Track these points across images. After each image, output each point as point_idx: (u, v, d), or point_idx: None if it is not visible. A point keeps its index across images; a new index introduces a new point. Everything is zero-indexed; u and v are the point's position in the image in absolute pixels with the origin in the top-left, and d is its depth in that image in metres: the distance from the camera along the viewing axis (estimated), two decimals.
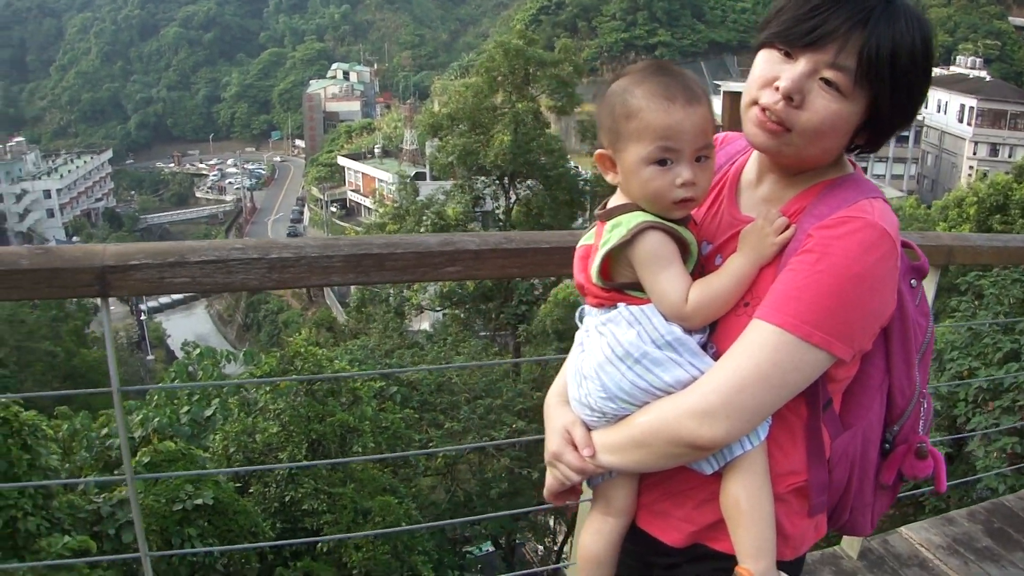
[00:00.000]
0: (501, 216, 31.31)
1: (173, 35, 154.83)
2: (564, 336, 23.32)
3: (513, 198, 31.85)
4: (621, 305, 1.93)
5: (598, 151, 2.02)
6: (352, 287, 41.24)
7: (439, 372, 19.69)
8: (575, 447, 1.99)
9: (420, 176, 49.48)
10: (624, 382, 1.89)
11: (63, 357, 38.88)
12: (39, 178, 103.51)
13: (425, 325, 33.81)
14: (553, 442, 2.05)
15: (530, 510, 19.32)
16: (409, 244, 2.54)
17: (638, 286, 1.92)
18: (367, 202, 69.62)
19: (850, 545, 4.54)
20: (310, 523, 13.51)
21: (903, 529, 4.85)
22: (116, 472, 12.14)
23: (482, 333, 29.52)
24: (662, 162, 1.85)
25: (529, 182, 31.54)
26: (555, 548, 22.92)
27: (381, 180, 67.02)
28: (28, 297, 2.28)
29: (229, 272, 2.31)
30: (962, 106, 73.43)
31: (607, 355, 1.92)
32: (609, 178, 2.00)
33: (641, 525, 2.10)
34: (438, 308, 30.61)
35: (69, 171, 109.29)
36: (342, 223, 73.71)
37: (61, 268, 2.23)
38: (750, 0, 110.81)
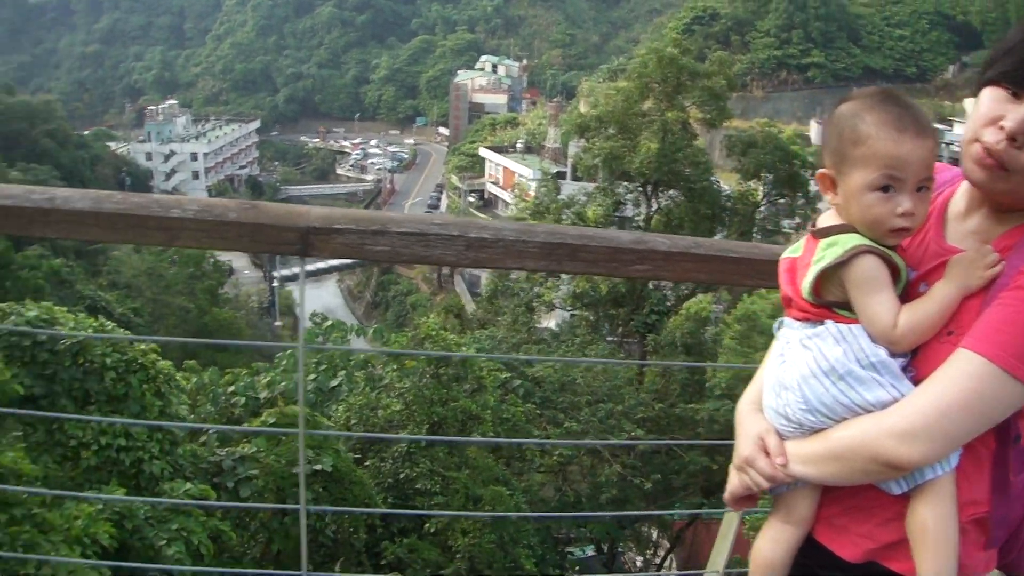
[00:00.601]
0: (641, 224, 30.99)
1: (327, 14, 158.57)
2: (692, 350, 23.13)
3: (654, 207, 31.55)
4: (828, 322, 1.96)
5: (820, 171, 2.04)
6: (484, 278, 41.56)
7: (564, 371, 19.72)
8: (767, 455, 2.02)
9: (560, 175, 49.47)
10: (826, 396, 1.92)
11: (195, 313, 40.11)
12: (188, 141, 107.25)
13: (552, 324, 33.80)
14: (745, 447, 2.08)
15: (641, 514, 19.22)
16: (602, 238, 2.55)
17: (847, 305, 1.95)
18: (505, 195, 69.98)
19: None
20: (421, 502, 13.65)
21: None
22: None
23: (609, 338, 29.40)
24: (885, 188, 1.89)
25: (672, 192, 31.15)
26: (655, 562, 22.75)
27: (521, 175, 67.34)
28: (231, 248, 2.35)
29: (428, 245, 2.34)
30: None
31: (811, 369, 1.94)
32: (828, 198, 2.03)
33: (818, 537, 2.10)
34: (569, 308, 30.58)
35: (217, 137, 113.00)
36: (479, 214, 74.25)
37: (267, 224, 2.31)
38: (909, 29, 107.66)
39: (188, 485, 10.91)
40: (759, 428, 2.08)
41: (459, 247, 2.36)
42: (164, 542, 10.08)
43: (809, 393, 1.94)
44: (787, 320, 2.09)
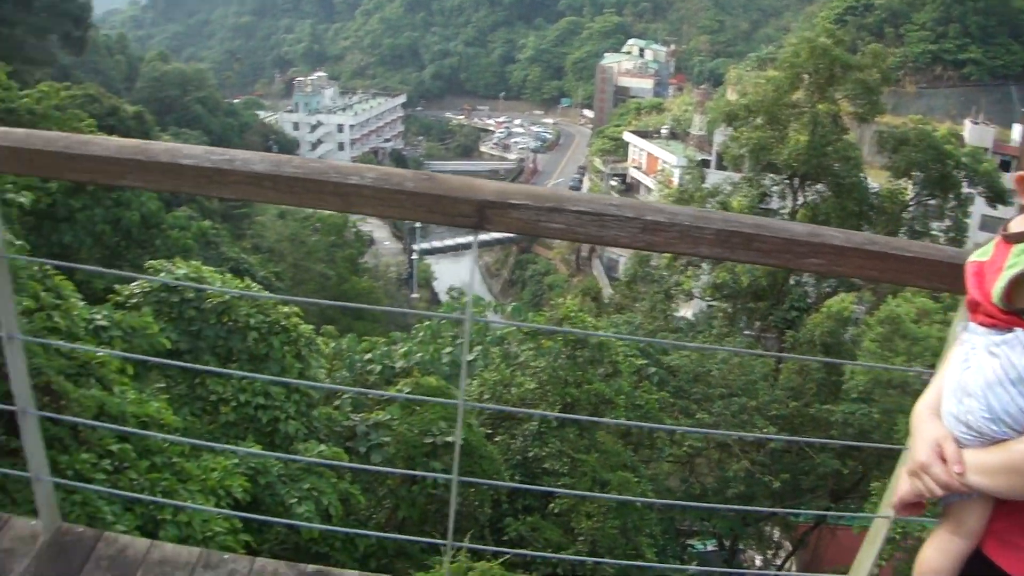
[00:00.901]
0: (785, 217, 30.36)
1: None
2: (831, 350, 22.59)
3: (800, 200, 30.88)
4: (1019, 330, 1.87)
5: (1019, 173, 2.00)
6: (622, 262, 41.24)
7: (699, 362, 19.52)
8: (944, 461, 1.96)
9: (704, 164, 48.85)
10: (1012, 406, 1.85)
11: (335, 280, 40.90)
12: (334, 112, 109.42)
13: (688, 313, 33.49)
14: (922, 453, 2.02)
15: (766, 511, 18.96)
16: (777, 229, 2.48)
17: None
18: (648, 181, 69.51)
19: None
20: (547, 482, 13.70)
21: None
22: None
23: (746, 332, 29.00)
24: None
25: (819, 186, 30.41)
26: (775, 562, 22.42)
27: (665, 162, 66.74)
28: (407, 217, 2.37)
29: (603, 226, 2.32)
30: None
31: (998, 376, 1.87)
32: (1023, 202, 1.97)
33: (986, 551, 2.04)
34: (708, 298, 30.24)
35: (363, 109, 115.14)
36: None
37: (443, 196, 2.32)
38: None
39: (322, 447, 11.19)
40: (937, 434, 2.01)
41: (634, 229, 2.32)
42: (295, 500, 10.34)
43: (994, 401, 1.87)
44: (972, 325, 2.02)
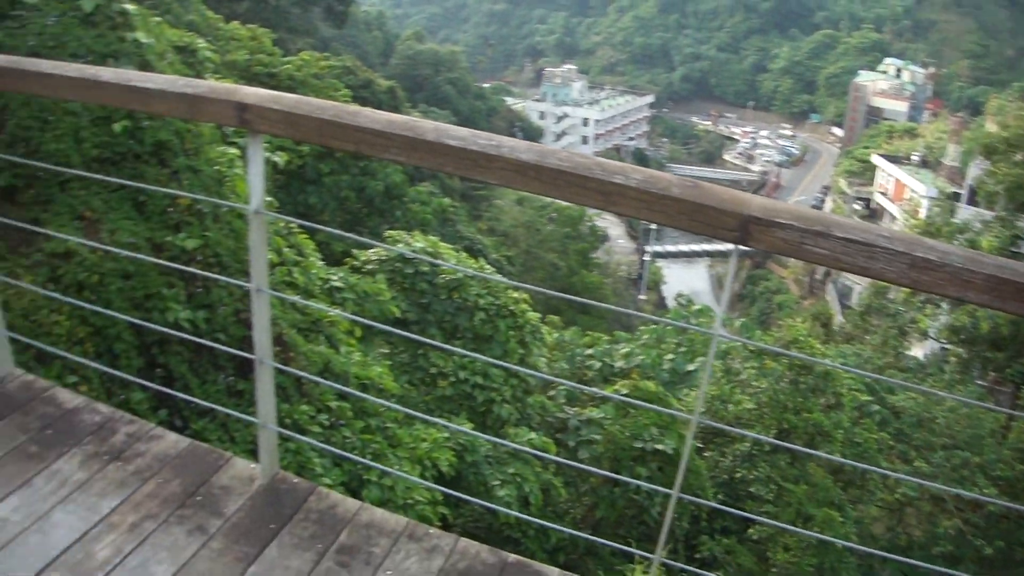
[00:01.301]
0: None
1: None
2: None
3: None
4: None
5: None
6: (857, 291, 39.68)
7: (926, 407, 18.54)
8: None
9: (955, 197, 46.41)
10: None
11: (564, 271, 41.16)
12: (581, 106, 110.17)
13: (920, 353, 31.94)
14: None
15: None
16: None
17: None
18: (893, 209, 66.73)
19: None
20: (751, 506, 13.41)
21: None
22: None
23: (979, 381, 27.38)
24: None
25: None
26: None
27: (914, 191, 63.90)
28: (667, 223, 2.29)
29: (871, 257, 2.17)
30: None
31: None
32: None
33: None
34: (943, 340, 28.68)
35: (610, 106, 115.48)
36: None
37: (709, 206, 2.24)
38: None
39: (532, 435, 11.28)
40: None
41: (902, 265, 2.16)
42: (497, 483, 10.47)
43: None
44: None
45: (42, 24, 6.94)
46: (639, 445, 11.52)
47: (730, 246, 2.29)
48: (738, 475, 13.36)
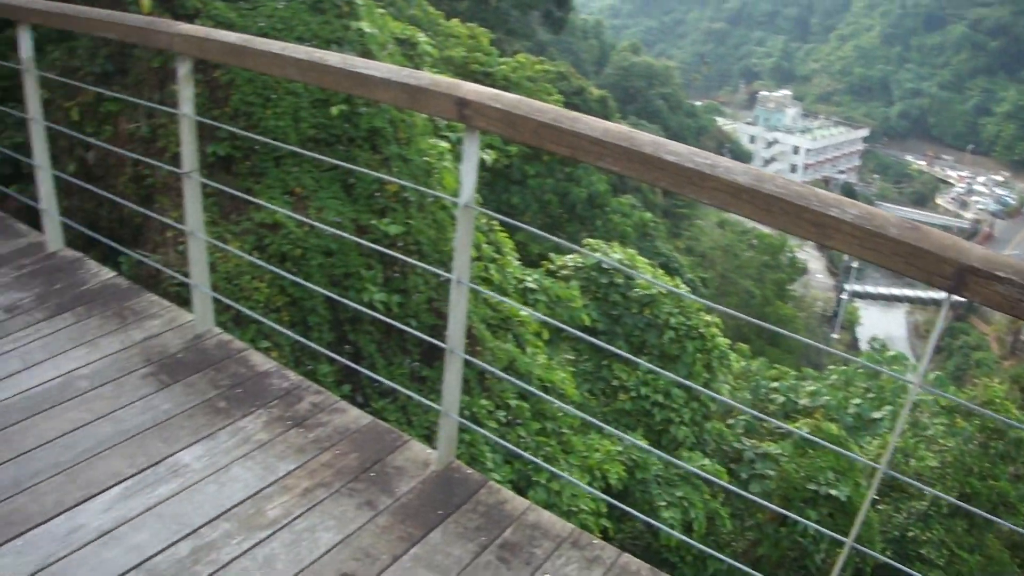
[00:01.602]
0: None
1: (958, 34, 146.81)
2: None
3: None
4: None
5: None
6: None
7: None
8: None
9: None
10: None
11: (759, 300, 40.38)
12: (793, 133, 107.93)
13: None
14: None
15: None
16: None
17: None
18: None
19: None
20: (919, 568, 12.88)
21: None
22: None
23: None
24: None
25: None
26: None
27: None
28: (880, 263, 2.19)
29: None
30: None
31: None
32: None
33: None
34: None
35: (823, 135, 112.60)
36: None
37: (926, 250, 2.12)
38: None
39: (705, 460, 11.13)
40: None
41: None
42: (664, 504, 10.38)
43: None
44: None
45: (273, 7, 7.31)
46: (813, 487, 11.20)
47: (942, 294, 2.20)
48: (910, 534, 12.81)
